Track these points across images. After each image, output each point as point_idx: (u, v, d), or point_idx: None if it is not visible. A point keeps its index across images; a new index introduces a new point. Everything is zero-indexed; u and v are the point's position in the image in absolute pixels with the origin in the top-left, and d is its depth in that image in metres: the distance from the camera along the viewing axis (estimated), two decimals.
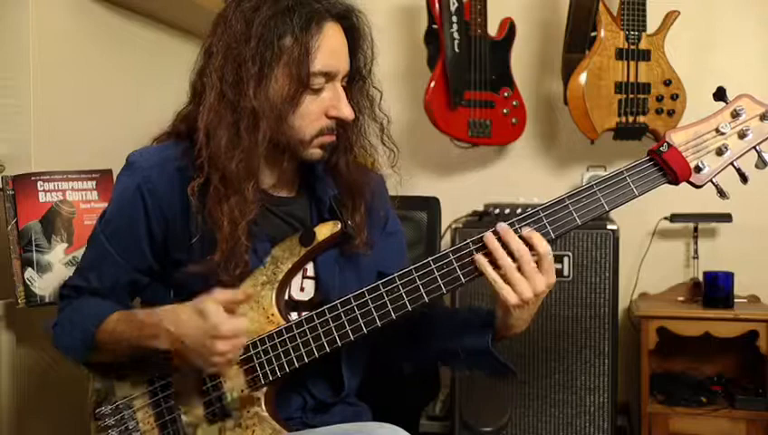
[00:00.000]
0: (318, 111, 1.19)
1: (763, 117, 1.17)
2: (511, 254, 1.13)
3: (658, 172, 1.17)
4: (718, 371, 2.65)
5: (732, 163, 1.18)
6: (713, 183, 1.19)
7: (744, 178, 1.19)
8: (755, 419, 2.40)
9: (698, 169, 1.17)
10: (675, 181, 1.17)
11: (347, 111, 1.20)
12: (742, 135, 1.17)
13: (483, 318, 1.25)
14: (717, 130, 1.17)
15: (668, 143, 1.16)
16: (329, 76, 1.19)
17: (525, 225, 1.15)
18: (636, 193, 1.16)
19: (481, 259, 1.15)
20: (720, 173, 1.18)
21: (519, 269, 1.13)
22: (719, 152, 1.17)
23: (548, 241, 1.15)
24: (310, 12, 1.16)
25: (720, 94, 1.19)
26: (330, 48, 1.17)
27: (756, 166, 1.19)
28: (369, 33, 1.25)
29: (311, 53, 1.15)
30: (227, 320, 1.10)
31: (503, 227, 1.14)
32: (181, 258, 1.22)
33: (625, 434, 2.64)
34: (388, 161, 1.33)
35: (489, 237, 1.14)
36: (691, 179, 1.17)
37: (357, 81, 1.26)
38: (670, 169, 1.16)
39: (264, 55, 1.14)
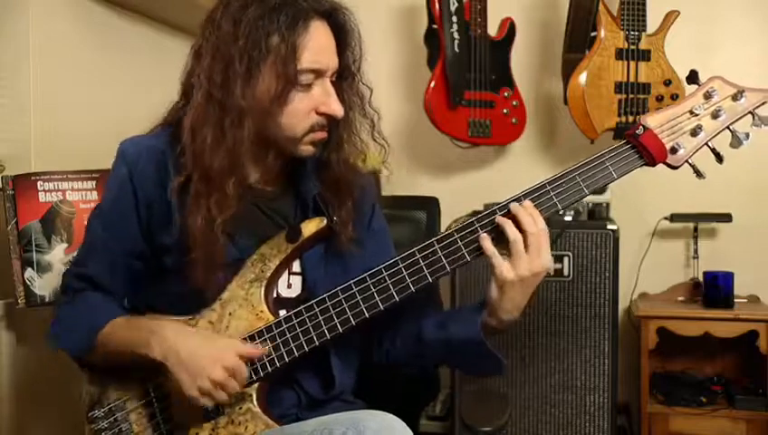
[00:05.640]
0: (307, 108, 1.20)
1: (734, 97, 1.20)
2: (520, 229, 1.16)
3: (635, 155, 1.20)
4: (718, 371, 2.65)
5: (707, 143, 1.20)
6: (689, 164, 1.21)
7: (719, 158, 1.21)
8: (755, 419, 2.40)
9: (674, 151, 1.20)
10: (651, 163, 1.20)
11: (336, 107, 1.21)
12: (715, 115, 1.20)
13: (472, 306, 1.27)
14: (691, 112, 1.20)
15: (644, 126, 1.19)
16: (317, 73, 1.20)
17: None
18: (614, 176, 1.19)
19: (484, 236, 1.17)
20: (696, 153, 1.21)
21: (525, 243, 1.16)
22: (694, 133, 1.20)
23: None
24: (296, 10, 1.17)
25: (693, 77, 1.22)
26: (317, 45, 1.18)
27: (731, 145, 1.22)
28: (357, 31, 1.26)
29: (297, 51, 1.16)
30: (238, 359, 1.16)
31: (515, 206, 1.17)
32: (166, 241, 1.23)
33: (625, 434, 2.64)
34: (380, 157, 1.33)
35: (499, 217, 1.17)
36: (667, 160, 1.20)
37: (346, 77, 1.27)
38: (647, 151, 1.18)
39: (251, 54, 1.15)
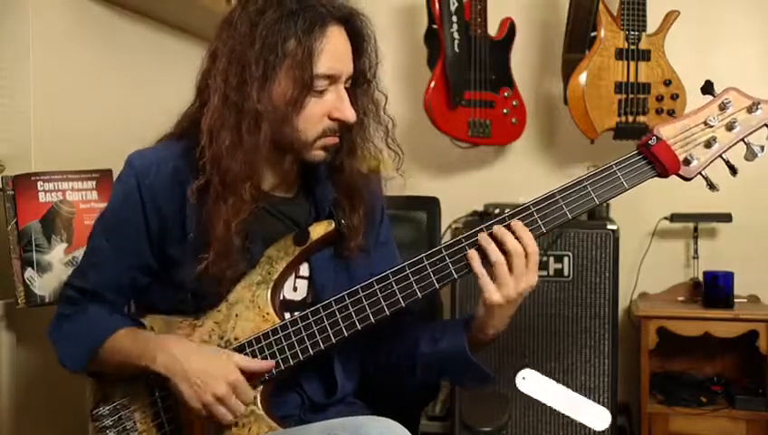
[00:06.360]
0: (321, 113, 1.20)
1: (749, 109, 1.18)
2: (504, 251, 1.15)
3: (647, 165, 1.17)
4: (718, 371, 2.65)
5: (720, 155, 1.18)
6: (702, 176, 1.19)
7: (733, 171, 1.19)
8: (755, 419, 2.41)
9: (687, 162, 1.18)
10: (664, 174, 1.17)
11: (349, 114, 1.21)
12: (729, 127, 1.18)
13: (462, 318, 1.27)
14: (705, 123, 1.18)
15: (657, 136, 1.17)
16: (332, 79, 1.19)
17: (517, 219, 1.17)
18: (626, 186, 1.17)
19: (472, 254, 1.17)
20: (709, 165, 1.19)
21: (509, 266, 1.14)
22: (708, 145, 1.18)
23: (539, 235, 1.17)
24: (313, 15, 1.16)
25: (708, 88, 1.20)
26: (333, 51, 1.17)
27: (746, 158, 1.19)
28: (373, 37, 1.25)
29: (314, 56, 1.15)
30: (240, 375, 1.17)
31: (499, 228, 1.17)
32: (176, 255, 1.23)
33: (625, 434, 2.64)
34: (393, 164, 1.33)
35: (483, 235, 1.17)
36: (680, 172, 1.18)
37: (361, 83, 1.27)
38: (659, 161, 1.16)
39: (267, 58, 1.14)
